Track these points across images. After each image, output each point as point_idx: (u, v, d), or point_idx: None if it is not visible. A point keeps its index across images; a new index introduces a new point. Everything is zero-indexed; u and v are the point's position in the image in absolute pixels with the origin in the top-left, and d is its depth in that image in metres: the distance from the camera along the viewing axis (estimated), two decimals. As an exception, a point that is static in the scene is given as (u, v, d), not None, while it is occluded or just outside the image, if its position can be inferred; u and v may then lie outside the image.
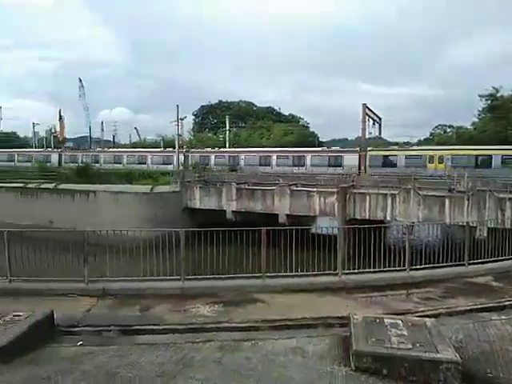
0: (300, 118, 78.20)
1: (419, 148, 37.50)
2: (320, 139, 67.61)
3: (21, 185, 29.46)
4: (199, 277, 7.96)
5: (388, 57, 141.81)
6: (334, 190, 20.51)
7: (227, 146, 47.73)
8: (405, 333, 4.83)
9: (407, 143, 44.34)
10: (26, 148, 63.43)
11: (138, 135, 76.99)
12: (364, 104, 32.65)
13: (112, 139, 79.37)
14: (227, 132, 52.00)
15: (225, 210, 22.76)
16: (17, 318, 5.52)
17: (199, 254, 8.27)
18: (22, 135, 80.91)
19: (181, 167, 36.09)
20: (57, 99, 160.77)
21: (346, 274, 8.02)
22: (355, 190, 20.63)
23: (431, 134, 62.54)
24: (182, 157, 39.20)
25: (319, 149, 41.90)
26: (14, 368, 4.52)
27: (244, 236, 8.09)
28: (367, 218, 19.33)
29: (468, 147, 31.62)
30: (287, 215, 20.90)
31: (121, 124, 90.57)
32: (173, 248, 8.04)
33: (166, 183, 26.64)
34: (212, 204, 23.33)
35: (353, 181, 22.95)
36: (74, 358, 4.85)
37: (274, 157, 38.41)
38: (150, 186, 25.37)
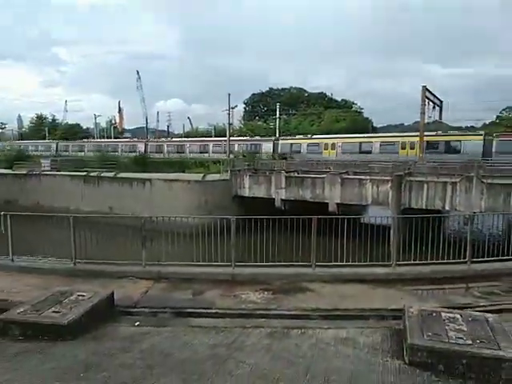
0: (353, 103, 75.68)
1: (317, 137, 41.31)
2: (374, 125, 65.21)
3: (84, 173, 31.50)
4: (249, 264, 8.05)
5: (452, 34, 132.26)
6: (388, 177, 19.72)
7: (277, 133, 47.48)
8: (464, 328, 4.57)
9: (471, 127, 41.42)
10: (88, 138, 67.55)
11: (191, 125, 79.03)
12: (424, 86, 30.73)
13: (167, 129, 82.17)
14: (277, 120, 51.63)
15: (274, 198, 22.77)
16: (81, 297, 5.94)
17: (249, 241, 8.35)
18: (84, 126, 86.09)
19: (231, 156, 36.58)
20: (117, 92, 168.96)
21: (400, 265, 7.72)
22: (411, 178, 19.68)
23: (498, 117, 57.87)
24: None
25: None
26: (78, 344, 4.89)
27: (294, 224, 8.04)
28: (424, 207, 18.39)
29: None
30: (338, 204, 20.46)
31: (175, 114, 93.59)
32: (224, 235, 8.20)
33: (217, 171, 27.17)
34: (261, 192, 23.43)
35: (409, 168, 21.90)
36: (132, 337, 5.14)
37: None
38: (202, 175, 26.00)
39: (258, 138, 46.33)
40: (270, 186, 22.94)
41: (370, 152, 34.73)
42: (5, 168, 37.48)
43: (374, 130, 56.59)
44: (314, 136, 42.41)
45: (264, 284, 7.14)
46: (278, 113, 51.71)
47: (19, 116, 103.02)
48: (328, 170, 23.55)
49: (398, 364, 4.31)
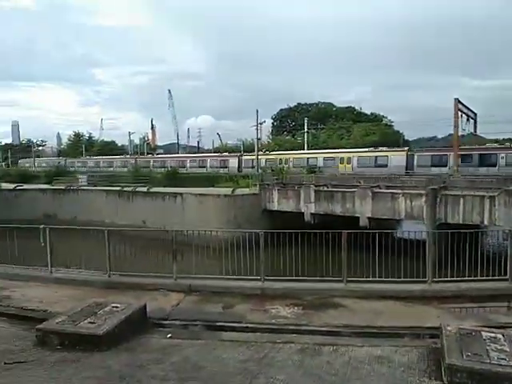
0: (383, 116, 74.65)
1: (274, 153, 45.77)
2: (405, 138, 63.84)
3: (118, 188, 32.54)
4: (279, 278, 8.01)
5: (485, 46, 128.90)
6: (423, 191, 19.17)
7: (305, 148, 47.46)
8: (506, 348, 4.33)
9: (510, 140, 39.82)
10: (122, 155, 69.95)
11: (220, 140, 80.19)
12: (456, 99, 30.01)
13: (197, 145, 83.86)
14: (305, 134, 51.66)
15: (303, 212, 22.62)
16: (115, 309, 6.09)
17: (278, 255, 8.33)
18: (119, 144, 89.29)
19: (260, 170, 36.82)
20: (150, 110, 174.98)
21: (437, 281, 7.44)
22: (447, 192, 19.05)
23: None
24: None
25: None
26: (112, 355, 4.99)
27: (324, 238, 7.95)
28: (461, 222, 17.70)
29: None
30: (369, 218, 20.07)
31: (205, 130, 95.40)
32: (253, 248, 8.22)
33: (246, 186, 27.37)
34: (290, 206, 23.35)
35: (444, 182, 21.23)
36: (164, 349, 5.20)
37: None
38: (231, 189, 26.27)
39: (226, 154, 51.32)
40: (299, 200, 22.82)
41: (315, 166, 38.99)
42: (45, 183, 39.38)
43: (406, 143, 55.35)
44: (272, 152, 47.30)
45: (294, 299, 7.06)
46: (305, 127, 51.80)
47: (58, 134, 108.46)
48: (358, 183, 23.21)
49: (435, 384, 4.13)
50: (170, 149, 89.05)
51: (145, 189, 31.21)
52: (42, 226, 9.17)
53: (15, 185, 37.09)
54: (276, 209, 23.74)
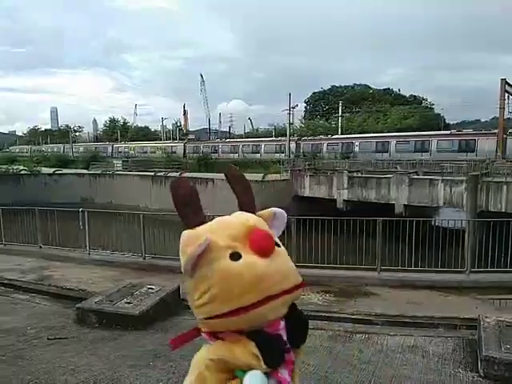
0: (423, 98, 71.52)
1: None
2: (447, 121, 61.03)
3: (152, 173, 33.32)
4: (310, 265, 7.96)
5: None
6: (463, 178, 18.39)
7: (339, 132, 46.47)
8: (550, 344, 4.11)
9: None
10: (156, 140, 71.38)
11: (252, 125, 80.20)
12: (503, 79, 28.22)
13: (228, 130, 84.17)
14: (339, 118, 50.48)
15: (335, 199, 22.32)
16: (150, 290, 6.27)
17: (310, 242, 8.25)
18: (152, 129, 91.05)
19: (292, 155, 36.51)
20: (182, 95, 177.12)
21: (476, 272, 7.15)
22: (489, 179, 18.16)
23: None
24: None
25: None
26: (147, 334, 5.16)
27: (357, 226, 7.80)
28: (503, 210, 16.88)
29: None
30: (405, 205, 19.51)
31: (236, 115, 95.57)
32: (284, 235, 8.17)
33: (277, 172, 27.27)
34: (322, 192, 23.08)
35: (486, 168, 20.25)
36: (196, 330, 5.30)
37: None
38: (262, 175, 26.26)
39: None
40: (332, 187, 22.51)
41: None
42: (82, 168, 40.94)
43: (447, 126, 52.93)
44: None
45: (325, 286, 7.01)
46: (340, 111, 50.52)
47: (94, 119, 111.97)
48: (395, 169, 22.58)
49: (471, 376, 4.01)
50: (201, 134, 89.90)
51: (177, 174, 31.80)
52: (80, 210, 9.54)
53: (54, 169, 38.78)
54: (307, 195, 23.55)
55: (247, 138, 61.84)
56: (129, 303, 5.73)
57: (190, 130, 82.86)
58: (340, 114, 50.60)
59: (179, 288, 6.45)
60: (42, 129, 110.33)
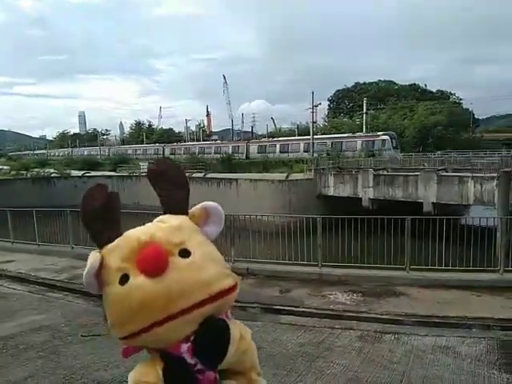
0: (450, 93, 69.37)
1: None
2: (476, 116, 58.92)
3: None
4: (336, 264, 7.90)
5: None
6: (494, 174, 17.74)
7: (364, 129, 45.74)
8: None
9: None
10: (180, 142, 72.36)
11: (274, 125, 79.97)
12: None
13: (251, 130, 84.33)
14: (364, 115, 49.64)
15: (360, 198, 22.00)
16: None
17: (336, 241, 8.19)
18: (176, 131, 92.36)
19: (315, 154, 36.24)
20: (205, 97, 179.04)
21: (509, 271, 6.90)
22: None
23: None
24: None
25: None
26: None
27: (385, 225, 7.66)
28: (537, 207, 16.20)
29: None
30: (434, 203, 19.01)
31: (259, 115, 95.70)
32: (310, 234, 8.15)
33: (300, 171, 27.15)
34: (347, 191, 22.81)
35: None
36: (225, 328, 5.36)
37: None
38: (286, 174, 26.19)
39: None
40: (357, 185, 22.21)
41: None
42: (109, 170, 42.01)
43: (476, 122, 51.09)
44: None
45: (353, 285, 6.94)
46: (364, 108, 49.66)
47: (121, 123, 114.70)
48: (423, 166, 22.05)
49: (506, 378, 3.90)
50: (224, 135, 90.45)
51: (201, 174, 32.16)
52: (109, 210, 9.78)
53: (83, 172, 39.95)
54: (332, 194, 23.32)
55: (271, 137, 61.83)
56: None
57: (214, 130, 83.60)
58: (364, 111, 49.69)
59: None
60: (71, 133, 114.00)
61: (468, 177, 18.49)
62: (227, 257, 8.31)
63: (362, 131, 45.00)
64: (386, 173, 22.46)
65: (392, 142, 37.63)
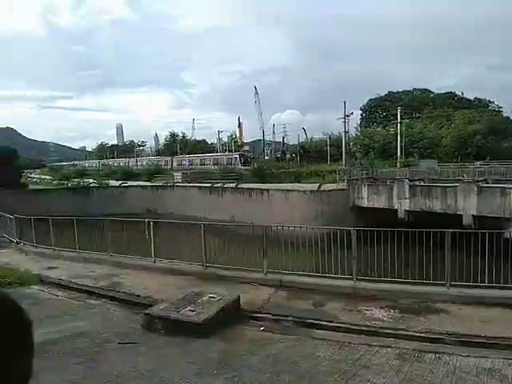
0: (489, 101, 66.68)
1: None
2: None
3: (209, 184, 34.30)
4: (372, 278, 7.67)
5: None
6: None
7: (398, 139, 44.65)
8: None
9: None
10: (212, 152, 73.62)
11: (306, 135, 79.59)
12: None
13: (282, 140, 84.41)
14: (398, 125, 48.48)
15: (396, 209, 21.39)
16: (212, 299, 6.44)
17: (371, 254, 7.97)
18: (209, 142, 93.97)
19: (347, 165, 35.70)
20: (237, 108, 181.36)
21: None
22: None
23: None
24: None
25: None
26: (210, 342, 5.28)
27: (423, 238, 7.38)
28: None
29: None
30: (474, 216, 18.18)
31: (290, 125, 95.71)
32: (344, 246, 8.01)
33: (333, 181, 26.83)
34: (381, 202, 22.24)
35: None
36: (258, 341, 5.34)
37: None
38: (318, 184, 25.95)
39: None
40: (392, 196, 21.63)
41: None
42: (145, 181, 43.21)
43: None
44: None
45: (389, 301, 6.71)
46: (398, 117, 48.54)
47: (156, 134, 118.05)
48: (461, 177, 21.23)
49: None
50: (255, 145, 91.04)
51: (233, 185, 32.45)
52: (146, 220, 10.06)
53: (120, 182, 41.31)
54: (366, 205, 22.82)
55: (301, 148, 61.64)
56: (192, 311, 5.92)
57: (245, 141, 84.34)
58: (399, 120, 48.54)
59: (239, 298, 6.57)
60: (109, 144, 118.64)
61: (510, 188, 17.59)
62: (260, 268, 8.31)
63: (396, 141, 43.97)
64: (422, 184, 21.76)
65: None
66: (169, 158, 69.46)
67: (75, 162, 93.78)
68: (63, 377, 4.42)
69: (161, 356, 4.94)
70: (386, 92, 76.63)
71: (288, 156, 64.82)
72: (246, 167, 50.87)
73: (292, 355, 4.87)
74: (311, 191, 24.90)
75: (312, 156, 56.31)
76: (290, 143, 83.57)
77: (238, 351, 4.96)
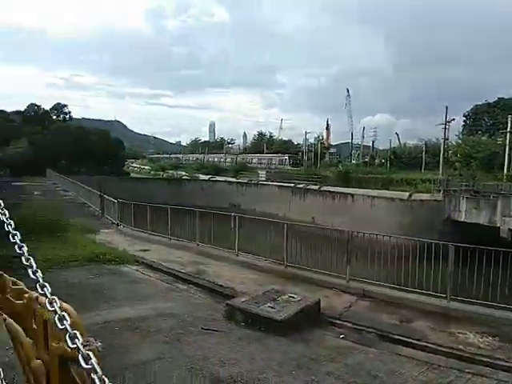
0: None
1: None
2: None
3: (292, 184, 34.41)
4: (468, 299, 6.96)
5: None
6: None
7: (507, 150, 39.98)
8: None
9: None
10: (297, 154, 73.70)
11: (399, 140, 75.33)
12: None
13: (371, 144, 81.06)
14: (508, 134, 43.36)
15: (498, 227, 19.21)
16: (291, 299, 6.41)
17: (470, 273, 7.22)
18: (295, 142, 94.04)
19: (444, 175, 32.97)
20: (325, 109, 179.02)
21: None
22: None
23: None
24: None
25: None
26: (289, 342, 5.25)
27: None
28: None
29: None
30: None
31: (381, 129, 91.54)
32: (439, 261, 7.38)
33: (426, 191, 25.03)
34: (481, 218, 20.14)
35: None
36: (338, 348, 5.18)
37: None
38: (408, 193, 24.44)
39: None
40: (495, 212, 19.49)
41: None
42: (231, 177, 44.92)
43: None
44: None
45: (487, 326, 6.03)
46: (509, 125, 43.39)
47: (244, 133, 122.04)
48: None
49: None
50: (341, 148, 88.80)
51: (316, 187, 32.10)
52: (233, 214, 10.42)
53: (209, 176, 43.52)
54: (462, 219, 20.91)
55: (393, 153, 58.50)
56: (272, 308, 5.96)
57: (332, 143, 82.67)
58: (508, 129, 43.39)
59: (319, 301, 6.44)
60: (202, 140, 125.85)
61: None
62: (341, 274, 8.05)
63: (504, 152, 39.37)
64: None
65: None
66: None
67: (171, 155, 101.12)
68: (151, 352, 4.75)
69: (241, 347, 5.05)
70: (496, 98, 69.10)
71: (377, 161, 62.07)
72: (294, 168, 54.22)
73: (374, 369, 4.63)
74: (400, 199, 23.57)
75: (404, 163, 53.23)
76: (380, 148, 79.80)
77: (318, 356, 4.86)
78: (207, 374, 4.17)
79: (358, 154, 75.47)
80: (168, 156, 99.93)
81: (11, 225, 1.11)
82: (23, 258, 1.02)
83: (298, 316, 5.75)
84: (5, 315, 2.63)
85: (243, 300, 6.32)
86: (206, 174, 47.50)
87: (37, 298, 3.19)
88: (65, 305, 3.08)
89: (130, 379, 3.98)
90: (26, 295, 3.30)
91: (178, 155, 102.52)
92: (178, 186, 37.71)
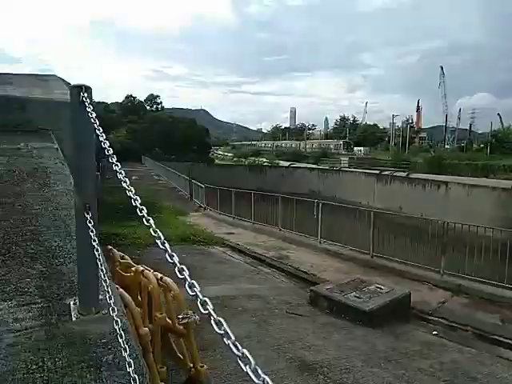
0: None
1: None
2: None
3: (377, 172, 32.86)
4: None
5: None
6: None
7: None
8: None
9: None
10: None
11: (501, 122, 67.39)
12: None
13: (469, 128, 73.82)
14: None
15: None
16: (378, 289, 6.19)
17: None
18: (381, 127, 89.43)
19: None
20: (414, 90, 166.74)
21: None
22: None
23: None
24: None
25: None
26: (376, 334, 5.10)
27: None
28: None
29: None
30: None
31: (480, 111, 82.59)
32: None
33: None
34: None
35: None
36: (430, 345, 4.89)
37: None
38: (513, 182, 21.84)
39: None
40: None
41: None
42: (312, 163, 44.43)
43: None
44: None
45: None
46: None
47: (326, 118, 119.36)
48: None
49: None
50: (434, 132, 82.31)
51: (404, 174, 30.28)
52: (316, 200, 10.33)
53: (289, 163, 43.56)
54: None
55: (494, 137, 52.62)
56: (358, 297, 5.82)
57: (422, 127, 76.98)
58: None
59: (410, 295, 6.13)
60: (282, 127, 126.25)
61: None
62: (434, 267, 7.54)
63: None
64: None
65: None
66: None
67: (253, 142, 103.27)
68: (241, 330, 4.96)
69: (326, 334, 5.03)
70: None
71: (475, 146, 56.46)
72: (347, 153, 52.81)
73: (471, 370, 4.29)
74: (503, 189, 21.16)
75: (507, 148, 47.71)
76: (479, 131, 72.25)
77: (408, 351, 4.64)
78: (294, 357, 4.23)
79: (454, 139, 69.37)
80: (250, 143, 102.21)
81: (137, 200, 1.23)
82: (151, 230, 1.13)
83: (386, 308, 5.55)
84: (117, 285, 2.93)
85: (328, 287, 6.26)
86: (287, 161, 47.64)
87: (142, 271, 3.50)
88: (168, 279, 3.32)
89: (221, 353, 4.21)
90: (133, 268, 3.64)
91: (259, 142, 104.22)
92: (259, 172, 38.35)
